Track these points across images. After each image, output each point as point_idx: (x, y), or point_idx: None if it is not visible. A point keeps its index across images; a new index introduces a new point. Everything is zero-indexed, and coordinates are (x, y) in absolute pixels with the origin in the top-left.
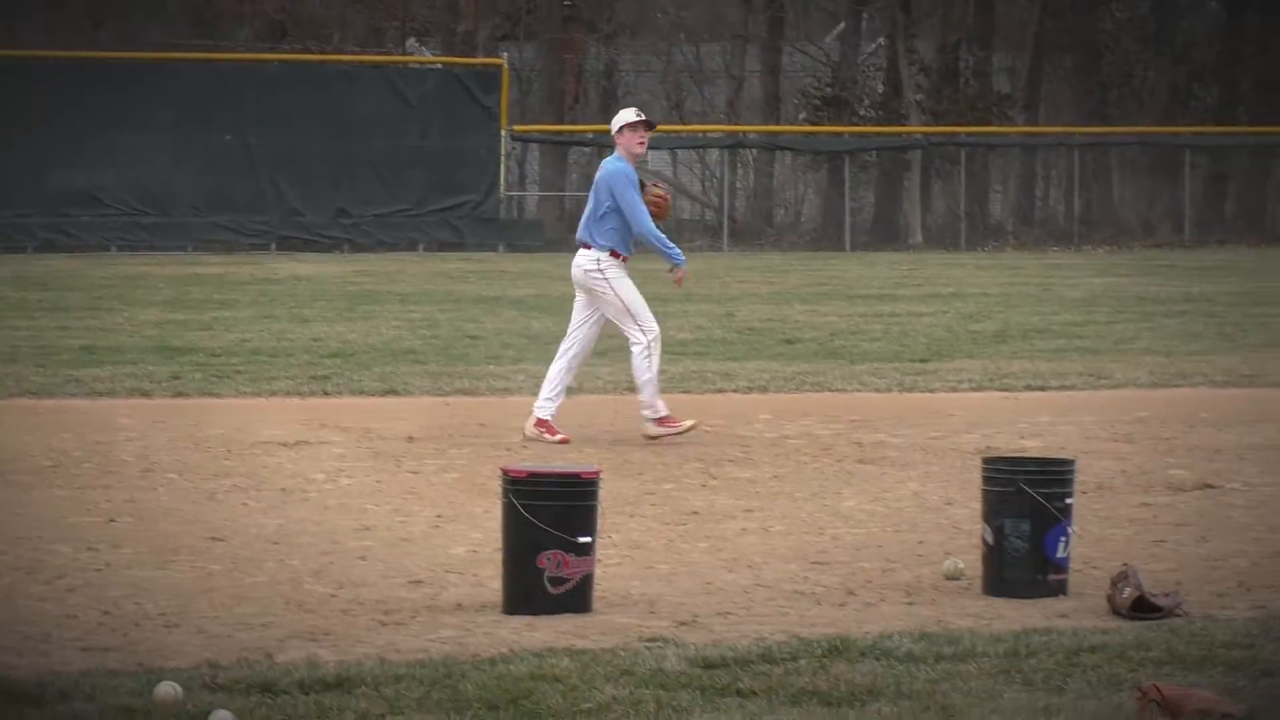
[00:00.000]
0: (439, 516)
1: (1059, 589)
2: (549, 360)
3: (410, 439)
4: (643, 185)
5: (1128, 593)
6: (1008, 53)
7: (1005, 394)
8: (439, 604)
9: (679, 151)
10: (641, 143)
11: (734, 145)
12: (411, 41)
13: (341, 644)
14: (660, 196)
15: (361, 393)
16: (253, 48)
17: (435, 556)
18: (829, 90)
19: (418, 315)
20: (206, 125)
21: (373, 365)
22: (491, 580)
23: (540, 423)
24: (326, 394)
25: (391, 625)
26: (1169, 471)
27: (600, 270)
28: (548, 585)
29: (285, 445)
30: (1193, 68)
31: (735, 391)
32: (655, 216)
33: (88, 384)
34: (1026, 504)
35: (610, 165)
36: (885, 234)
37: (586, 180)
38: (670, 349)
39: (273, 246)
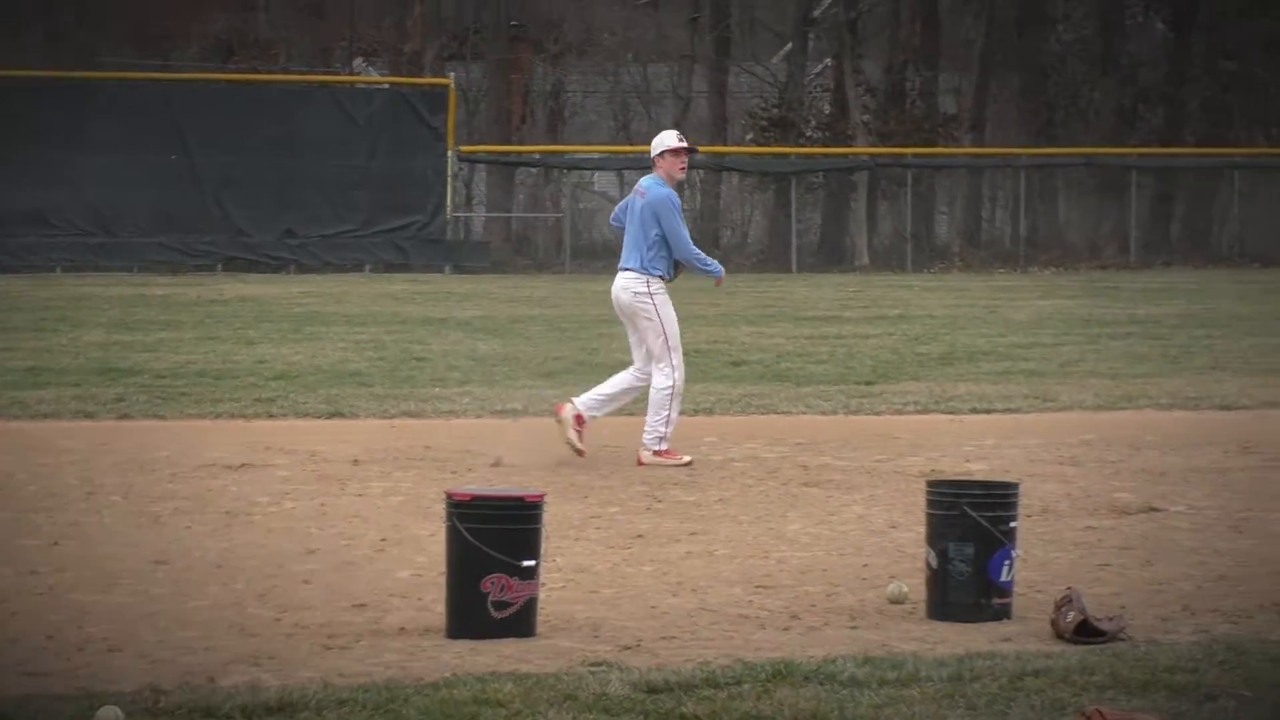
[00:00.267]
0: (384, 540)
1: (1003, 613)
2: (495, 382)
3: (356, 462)
4: None
5: (1071, 617)
6: (954, 74)
7: (951, 417)
8: (383, 628)
9: (625, 172)
10: (683, 168)
11: None
12: (358, 61)
13: (285, 668)
14: None
15: (307, 415)
16: (199, 68)
17: (379, 580)
18: (776, 111)
19: (364, 337)
20: (153, 145)
21: (318, 387)
22: (435, 604)
23: (659, 453)
24: (272, 416)
25: (335, 649)
26: (1114, 495)
27: (649, 294)
28: (491, 609)
29: (230, 468)
30: (1139, 89)
31: (681, 414)
32: None
33: (31, 406)
34: (970, 527)
35: (656, 190)
36: (832, 255)
37: (534, 201)
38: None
39: (219, 267)
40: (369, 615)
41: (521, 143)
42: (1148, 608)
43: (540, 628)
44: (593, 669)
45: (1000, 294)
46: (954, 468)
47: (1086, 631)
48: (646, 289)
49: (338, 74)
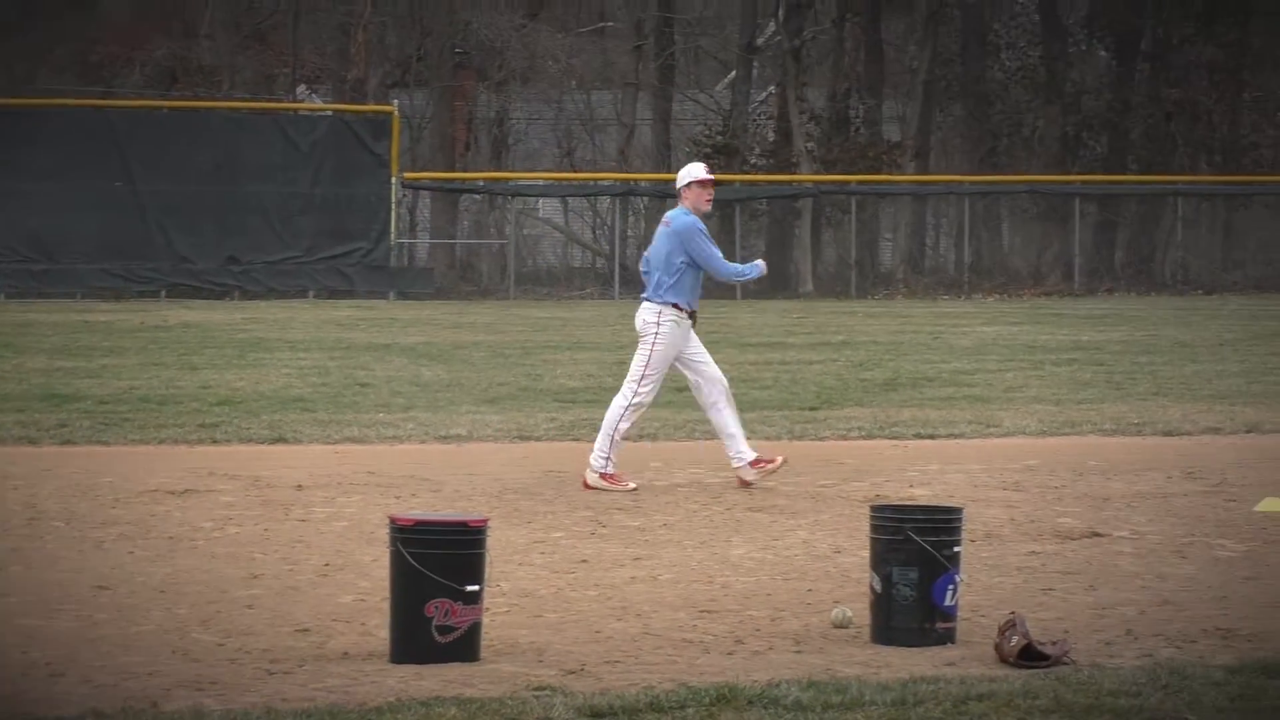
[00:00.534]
0: (327, 565)
1: (947, 637)
2: (439, 408)
3: (299, 487)
4: None
5: (1015, 641)
6: (898, 101)
7: (895, 442)
8: (326, 653)
9: (570, 199)
10: (709, 199)
11: (625, 193)
12: (302, 88)
13: (228, 693)
14: None
15: (250, 441)
16: (142, 94)
17: (323, 605)
18: (720, 138)
19: (307, 363)
20: (96, 172)
21: (262, 413)
22: (379, 629)
23: (605, 477)
24: (215, 442)
25: (278, 674)
26: (1057, 520)
27: (658, 323)
28: (435, 634)
29: (173, 493)
30: (1082, 117)
31: (626, 439)
32: None
33: None
34: (915, 552)
35: (681, 219)
36: (776, 282)
37: (478, 228)
38: (561, 396)
39: (162, 293)
40: (313, 640)
41: (465, 169)
42: (1091, 632)
43: (484, 652)
44: (537, 693)
45: (944, 320)
46: (898, 493)
47: (1031, 656)
48: (656, 319)
49: (281, 101)
